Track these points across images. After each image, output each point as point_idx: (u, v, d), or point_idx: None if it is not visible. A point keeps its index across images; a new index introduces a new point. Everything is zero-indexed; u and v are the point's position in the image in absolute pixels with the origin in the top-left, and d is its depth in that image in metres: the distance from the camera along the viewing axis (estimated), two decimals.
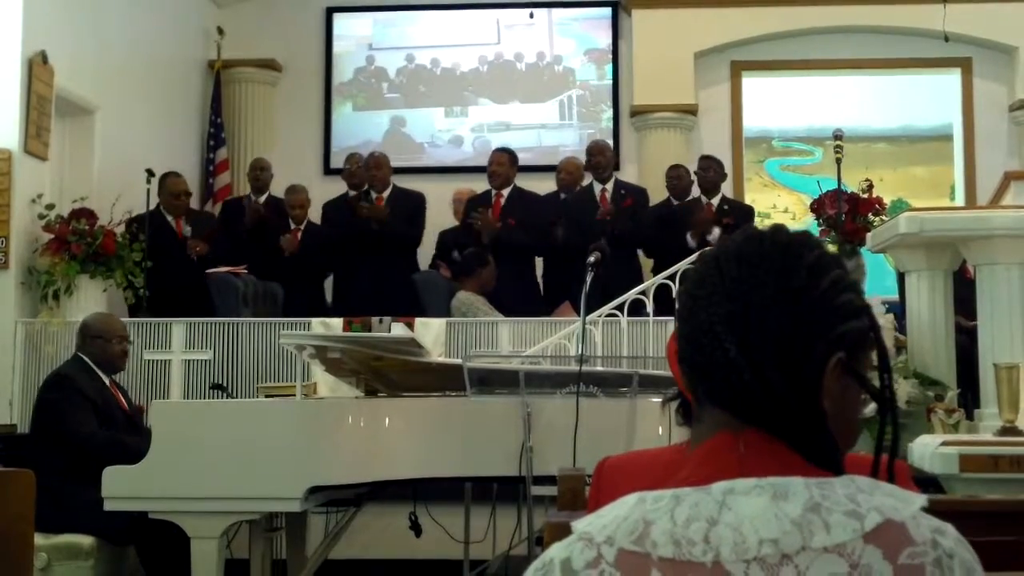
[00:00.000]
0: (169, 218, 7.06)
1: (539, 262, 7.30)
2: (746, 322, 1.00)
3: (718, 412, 1.03)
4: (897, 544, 0.92)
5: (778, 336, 1.00)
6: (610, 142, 8.77)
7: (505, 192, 7.18)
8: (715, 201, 7.17)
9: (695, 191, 7.33)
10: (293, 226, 7.29)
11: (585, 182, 7.40)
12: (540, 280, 7.26)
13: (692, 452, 1.05)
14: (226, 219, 7.65)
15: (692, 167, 7.50)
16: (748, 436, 1.00)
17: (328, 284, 7.57)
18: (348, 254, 7.15)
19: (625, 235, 6.93)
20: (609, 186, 7.18)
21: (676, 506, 0.96)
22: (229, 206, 7.98)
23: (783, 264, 1.02)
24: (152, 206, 6.73)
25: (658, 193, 7.59)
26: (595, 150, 7.33)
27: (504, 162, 7.21)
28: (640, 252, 7.32)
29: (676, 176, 7.45)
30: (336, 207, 7.49)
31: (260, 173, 7.68)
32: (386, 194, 7.33)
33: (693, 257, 6.01)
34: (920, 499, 0.97)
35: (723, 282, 1.02)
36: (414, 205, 7.33)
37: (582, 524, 1.00)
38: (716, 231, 6.79)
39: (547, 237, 6.88)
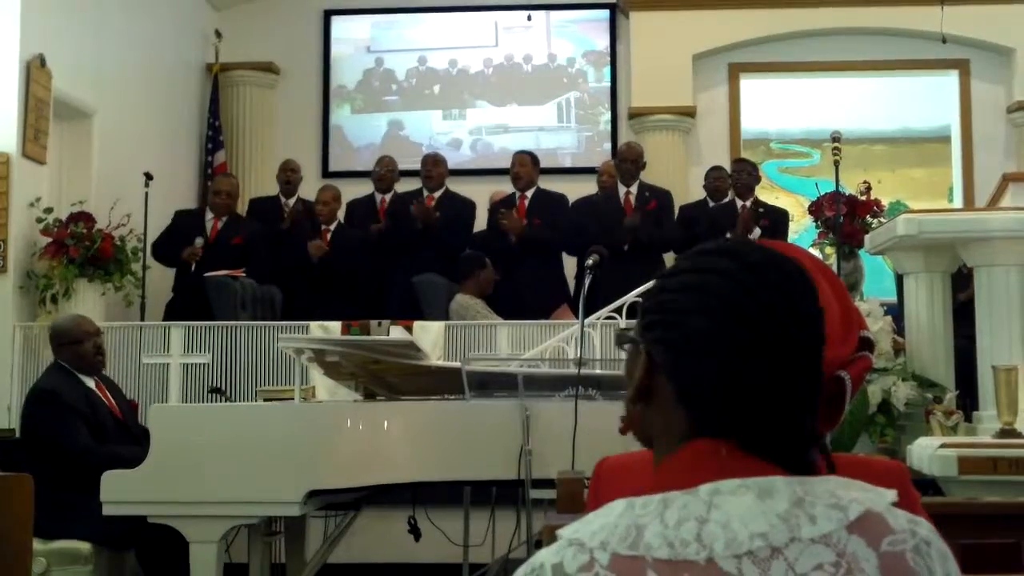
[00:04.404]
0: (209, 216, 7.06)
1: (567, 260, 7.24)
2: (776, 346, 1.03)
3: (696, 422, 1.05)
4: (879, 532, 0.97)
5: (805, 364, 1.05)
6: (608, 144, 8.78)
7: (529, 193, 7.21)
8: (748, 203, 7.17)
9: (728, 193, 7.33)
10: (323, 227, 7.19)
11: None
12: (571, 280, 7.18)
13: (669, 458, 1.06)
14: (255, 216, 7.56)
15: (693, 169, 7.48)
16: (726, 444, 1.03)
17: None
18: (380, 256, 7.01)
19: (652, 238, 6.90)
20: (634, 188, 7.14)
21: (665, 509, 0.99)
22: (257, 204, 7.80)
23: (802, 289, 1.07)
24: (148, 208, 6.71)
25: None
26: (629, 156, 7.20)
27: (527, 164, 7.24)
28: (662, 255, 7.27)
29: (718, 177, 7.39)
30: (361, 206, 7.44)
31: (291, 175, 7.63)
32: (437, 195, 7.28)
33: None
34: (890, 494, 1.01)
35: (750, 304, 1.03)
36: (464, 211, 7.26)
37: (569, 531, 1.01)
38: (757, 231, 6.81)
39: (573, 235, 6.85)
